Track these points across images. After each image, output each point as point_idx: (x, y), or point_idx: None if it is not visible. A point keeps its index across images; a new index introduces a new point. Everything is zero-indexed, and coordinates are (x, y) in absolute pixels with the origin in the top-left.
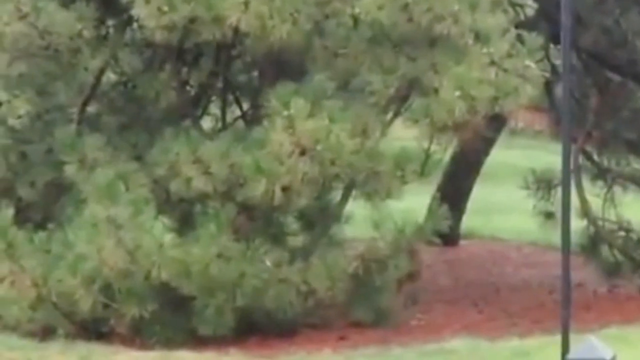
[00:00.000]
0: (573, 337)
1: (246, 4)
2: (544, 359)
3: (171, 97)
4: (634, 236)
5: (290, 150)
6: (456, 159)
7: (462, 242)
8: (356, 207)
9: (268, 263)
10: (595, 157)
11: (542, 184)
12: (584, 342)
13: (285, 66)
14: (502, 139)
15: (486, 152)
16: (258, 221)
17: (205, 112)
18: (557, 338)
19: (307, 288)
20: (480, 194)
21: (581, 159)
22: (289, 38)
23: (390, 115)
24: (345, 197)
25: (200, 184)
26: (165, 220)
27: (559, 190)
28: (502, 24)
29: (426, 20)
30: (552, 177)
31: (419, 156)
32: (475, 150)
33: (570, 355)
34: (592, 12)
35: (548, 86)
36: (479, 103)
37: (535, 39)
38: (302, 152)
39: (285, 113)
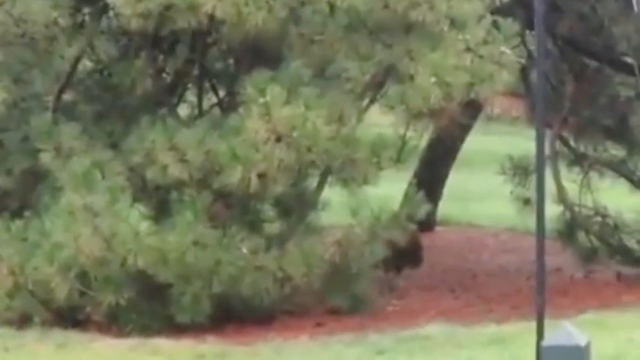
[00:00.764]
0: (549, 323)
1: None
2: (520, 345)
3: (147, 85)
4: (610, 222)
5: (266, 137)
6: (432, 146)
7: (438, 229)
8: (333, 194)
9: (244, 250)
10: (572, 143)
11: (519, 170)
12: (559, 329)
13: (261, 53)
14: (480, 126)
15: (462, 139)
16: (235, 208)
17: (181, 99)
18: (534, 324)
19: (284, 275)
20: (457, 180)
21: (558, 145)
22: (264, 25)
23: (366, 102)
24: (321, 184)
25: (176, 171)
26: (141, 208)
27: (535, 176)
28: (478, 10)
29: (402, 6)
30: (529, 164)
31: (395, 143)
32: (451, 136)
33: (545, 342)
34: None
35: (524, 72)
36: (455, 89)
37: (510, 25)
38: (278, 139)
39: (261, 100)
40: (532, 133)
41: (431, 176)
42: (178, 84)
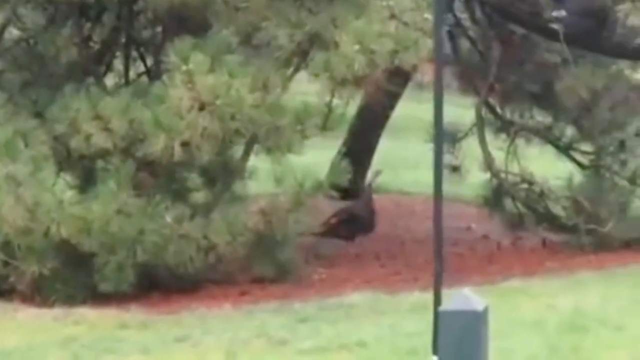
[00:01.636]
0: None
1: None
2: None
3: (72, 54)
4: (537, 189)
5: (190, 106)
6: (361, 114)
7: None
8: (262, 163)
9: (168, 219)
10: (499, 109)
11: (447, 137)
12: (457, 294)
13: (188, 21)
14: (412, 93)
15: (392, 107)
16: (160, 177)
17: (109, 68)
18: (454, 291)
19: (208, 243)
20: (388, 148)
21: (484, 112)
22: None
23: (292, 69)
24: (247, 152)
25: (100, 140)
26: (67, 177)
27: (464, 143)
28: None
29: None
30: (456, 131)
31: (320, 111)
32: (380, 105)
33: (443, 307)
34: None
35: (453, 40)
36: (379, 57)
37: None
38: (202, 107)
39: (184, 68)
40: (463, 101)
41: (360, 144)
42: (105, 52)
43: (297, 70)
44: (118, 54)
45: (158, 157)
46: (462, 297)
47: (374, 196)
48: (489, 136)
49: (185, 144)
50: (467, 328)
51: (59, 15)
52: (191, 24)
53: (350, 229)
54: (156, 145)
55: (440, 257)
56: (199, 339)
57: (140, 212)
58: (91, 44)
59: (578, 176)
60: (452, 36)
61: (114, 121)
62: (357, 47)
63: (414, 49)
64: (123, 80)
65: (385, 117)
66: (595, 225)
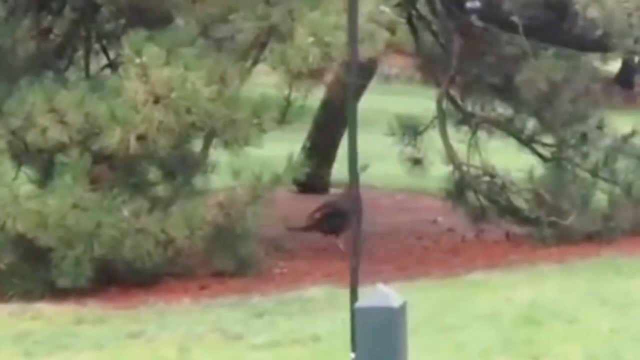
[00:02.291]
0: (434, 283)
1: None
2: None
3: (30, 47)
4: (499, 182)
5: (144, 99)
6: (325, 107)
7: (333, 191)
8: (224, 156)
9: (125, 213)
10: (460, 102)
11: (408, 130)
12: (374, 291)
13: (149, 14)
14: (378, 86)
15: (357, 99)
16: (119, 171)
17: (71, 62)
18: (417, 284)
19: (166, 237)
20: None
21: (445, 104)
22: None
23: (250, 62)
24: (206, 146)
25: (55, 134)
26: (26, 171)
27: (425, 136)
28: None
29: None
30: (418, 124)
31: (278, 104)
32: (341, 98)
33: (359, 303)
34: None
35: (416, 33)
36: (334, 49)
37: None
38: (156, 101)
39: (137, 61)
40: (429, 92)
41: (324, 138)
42: (66, 45)
43: (255, 63)
44: (80, 47)
45: (115, 150)
46: (379, 293)
47: (338, 190)
48: (451, 129)
49: (141, 138)
50: (383, 325)
51: (19, 8)
52: (152, 17)
53: (335, 223)
54: (112, 139)
55: (357, 254)
56: (154, 334)
57: (96, 206)
58: (52, 37)
59: (540, 169)
60: (414, 29)
61: (69, 114)
62: (311, 39)
63: (370, 42)
64: (84, 74)
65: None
66: (556, 218)
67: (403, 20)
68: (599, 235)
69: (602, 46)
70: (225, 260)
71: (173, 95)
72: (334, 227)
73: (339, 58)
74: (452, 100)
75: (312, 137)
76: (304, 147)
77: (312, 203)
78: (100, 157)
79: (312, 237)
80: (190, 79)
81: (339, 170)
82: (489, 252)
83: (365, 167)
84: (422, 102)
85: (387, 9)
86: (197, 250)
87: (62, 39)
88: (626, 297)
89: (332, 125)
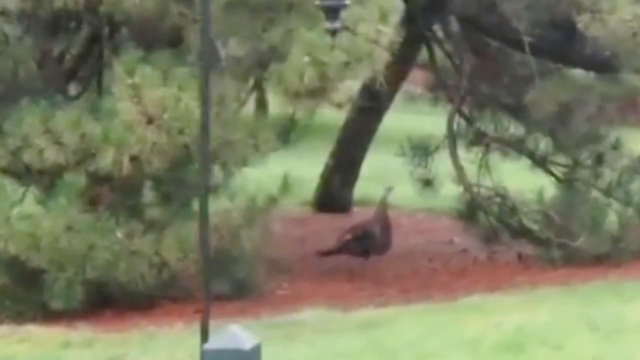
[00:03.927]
0: (427, 307)
1: None
2: (390, 330)
3: (32, 67)
4: (509, 203)
5: (138, 119)
6: (347, 126)
7: (355, 210)
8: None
9: (119, 235)
10: (471, 122)
11: (419, 150)
12: (224, 331)
13: (157, 35)
14: (403, 104)
15: (378, 119)
16: (118, 193)
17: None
18: (412, 307)
19: (160, 260)
20: (379, 160)
21: (456, 125)
22: (142, 4)
23: (251, 83)
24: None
25: (52, 155)
26: (27, 191)
27: (436, 156)
28: None
29: None
30: (429, 144)
31: (274, 124)
32: (365, 117)
33: (208, 345)
34: None
35: (432, 52)
36: (330, 69)
37: (387, 3)
38: (150, 121)
39: (130, 81)
40: (442, 110)
41: (346, 157)
42: (79, 66)
43: (257, 83)
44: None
45: (109, 171)
46: (229, 334)
47: (360, 209)
48: (463, 149)
49: (135, 159)
50: None
51: (23, 29)
52: (160, 38)
53: (364, 246)
54: (105, 160)
55: (208, 292)
56: (134, 358)
57: (89, 227)
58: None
59: (552, 189)
60: (429, 48)
61: (65, 135)
62: (306, 59)
63: (368, 61)
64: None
65: (372, 129)
66: (566, 239)
67: (399, 40)
68: (608, 257)
69: (612, 66)
70: (222, 282)
71: (166, 116)
72: (364, 250)
73: (336, 78)
74: (466, 119)
75: (335, 156)
76: (326, 166)
77: (331, 222)
78: (98, 179)
79: (313, 257)
80: (184, 99)
81: (363, 189)
82: (496, 274)
83: (390, 189)
84: (435, 119)
85: (385, 29)
86: (193, 273)
87: (77, 59)
88: (618, 323)
89: (354, 144)
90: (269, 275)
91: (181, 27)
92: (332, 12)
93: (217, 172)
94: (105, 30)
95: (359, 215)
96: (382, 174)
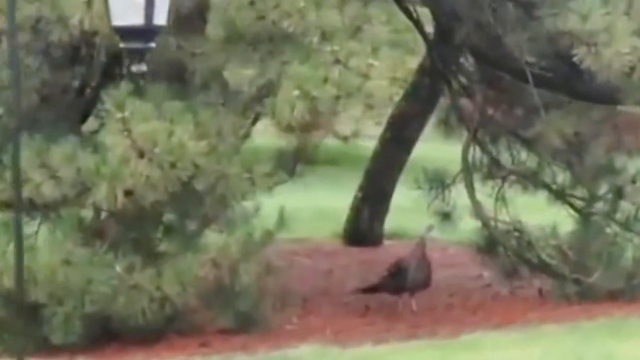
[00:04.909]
0: (424, 344)
1: (88, 4)
2: None
3: (34, 99)
4: (527, 237)
5: (129, 153)
6: (376, 158)
7: (387, 243)
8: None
9: (118, 269)
10: (486, 154)
11: (435, 183)
12: None
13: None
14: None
15: (408, 150)
16: (120, 226)
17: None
18: (411, 344)
19: (161, 294)
20: (406, 191)
21: (471, 158)
22: None
23: (251, 115)
24: (200, 201)
25: (48, 189)
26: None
27: (453, 189)
28: (353, 20)
29: (275, 16)
30: (445, 176)
31: (271, 157)
32: (394, 149)
33: None
34: (469, 7)
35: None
36: (321, 102)
37: (377, 35)
38: (141, 155)
39: (119, 115)
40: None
41: (376, 189)
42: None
43: (256, 117)
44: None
45: (104, 205)
46: None
47: (392, 242)
48: (478, 182)
49: (128, 193)
50: None
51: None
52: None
53: (399, 283)
54: (98, 194)
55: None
56: None
57: (87, 261)
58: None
59: (569, 223)
60: (449, 84)
61: (61, 169)
62: (296, 92)
63: (358, 95)
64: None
65: (402, 161)
66: (581, 274)
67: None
68: (622, 293)
69: (616, 99)
70: (226, 316)
71: (157, 149)
72: (398, 286)
73: (328, 111)
74: (482, 150)
75: (363, 188)
76: (355, 198)
77: (359, 256)
78: (101, 212)
79: (343, 291)
80: (177, 132)
81: (397, 221)
82: (511, 310)
83: (431, 228)
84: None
85: (376, 62)
86: (194, 307)
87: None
88: None
89: (383, 176)
90: (279, 309)
91: (179, 60)
92: (138, 55)
93: (214, 206)
94: (100, 62)
95: (391, 248)
96: (417, 205)
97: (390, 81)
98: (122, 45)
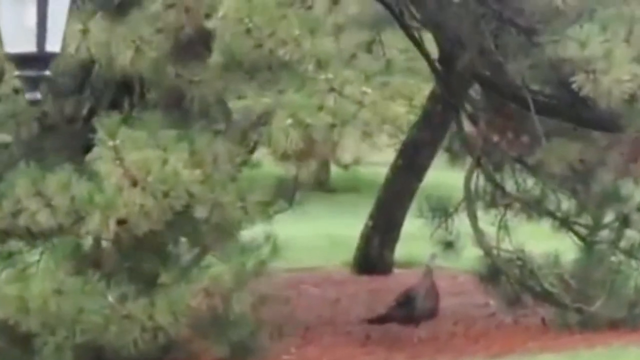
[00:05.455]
0: None
1: (84, 32)
2: None
3: (34, 128)
4: (529, 266)
5: (122, 182)
6: (386, 186)
7: (397, 271)
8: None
9: (110, 298)
10: (489, 182)
11: (437, 212)
12: None
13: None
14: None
15: (419, 178)
16: (116, 255)
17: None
18: None
19: (154, 324)
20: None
21: (474, 186)
22: (133, 65)
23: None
24: (195, 230)
25: (43, 217)
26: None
27: (456, 218)
28: (347, 48)
29: (272, 44)
30: (448, 205)
31: (265, 186)
32: (405, 177)
33: None
34: (472, 34)
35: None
36: (316, 130)
37: (371, 63)
38: (134, 184)
39: (111, 143)
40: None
41: (387, 217)
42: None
43: (255, 145)
44: None
45: (100, 234)
46: None
47: (402, 271)
48: (481, 210)
49: (121, 222)
50: None
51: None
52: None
53: (407, 312)
54: (91, 223)
55: None
56: None
57: (78, 291)
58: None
59: (573, 251)
60: (456, 111)
61: (56, 198)
62: (289, 120)
63: (353, 123)
64: None
65: (413, 189)
66: (583, 303)
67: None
68: (624, 322)
69: (618, 126)
70: (221, 346)
71: (150, 178)
72: (407, 315)
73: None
74: (486, 176)
75: (374, 217)
76: (366, 226)
77: (368, 284)
78: (100, 241)
79: (348, 320)
80: (170, 161)
81: (408, 249)
82: (512, 339)
83: (435, 257)
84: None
85: (369, 90)
86: (189, 336)
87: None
88: None
89: (394, 204)
90: (278, 339)
91: (177, 88)
92: (32, 82)
93: (211, 235)
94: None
95: (400, 277)
96: (426, 233)
97: (407, 107)
98: (16, 73)
